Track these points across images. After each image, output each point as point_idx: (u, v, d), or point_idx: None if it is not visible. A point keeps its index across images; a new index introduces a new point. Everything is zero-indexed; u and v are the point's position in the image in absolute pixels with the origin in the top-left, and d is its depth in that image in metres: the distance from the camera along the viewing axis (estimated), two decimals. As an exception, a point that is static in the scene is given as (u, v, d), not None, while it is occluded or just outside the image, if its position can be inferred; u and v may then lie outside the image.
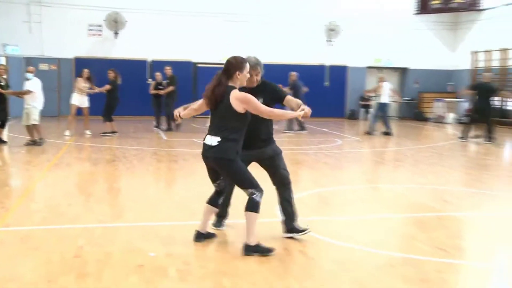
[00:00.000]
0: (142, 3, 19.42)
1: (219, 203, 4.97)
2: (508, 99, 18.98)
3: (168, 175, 9.19)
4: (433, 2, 21.22)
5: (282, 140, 13.45)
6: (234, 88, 4.56)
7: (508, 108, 19.58)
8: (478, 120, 14.23)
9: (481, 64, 20.67)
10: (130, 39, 19.26)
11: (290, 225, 5.06)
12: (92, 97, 13.83)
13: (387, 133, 15.31)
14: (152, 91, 15.23)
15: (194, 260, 4.50)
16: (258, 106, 4.52)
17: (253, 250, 4.56)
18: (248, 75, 4.65)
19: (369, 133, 15.43)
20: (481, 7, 20.83)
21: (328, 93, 21.06)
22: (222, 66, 4.63)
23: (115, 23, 19.16)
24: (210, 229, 5.13)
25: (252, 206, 4.54)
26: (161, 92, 15.00)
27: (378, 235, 5.47)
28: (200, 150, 4.72)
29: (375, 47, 21.42)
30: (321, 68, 20.53)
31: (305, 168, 10.02)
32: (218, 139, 4.52)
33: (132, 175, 8.75)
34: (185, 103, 5.20)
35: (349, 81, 21.67)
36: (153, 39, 19.42)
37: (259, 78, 4.88)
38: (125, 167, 9.34)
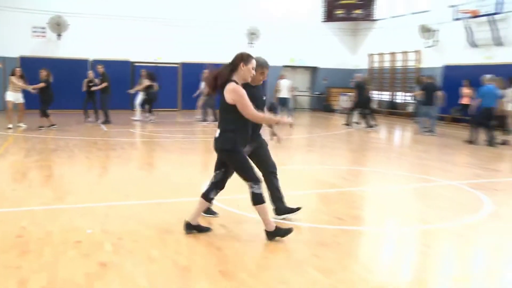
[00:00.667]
0: (83, 7, 18.59)
1: (212, 197, 4.48)
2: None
3: (106, 162, 8.92)
4: (337, 12, 21.86)
5: (199, 130, 13.43)
6: (233, 81, 4.18)
7: (397, 101, 20.60)
8: (366, 111, 15.14)
9: (376, 65, 21.58)
10: (73, 40, 18.39)
11: (284, 208, 4.98)
12: (27, 93, 13.15)
13: None
14: (85, 88, 14.67)
15: (127, 235, 4.42)
16: (246, 104, 4.09)
17: (274, 234, 4.36)
18: (253, 71, 4.28)
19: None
20: (374, 18, 21.74)
21: (251, 89, 21.08)
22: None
23: (58, 26, 18.20)
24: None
25: (256, 200, 4.26)
26: (95, 88, 14.48)
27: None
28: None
29: (290, 49, 21.78)
30: (244, 67, 20.57)
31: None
32: (219, 131, 4.30)
33: (73, 162, 8.43)
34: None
35: (268, 78, 21.80)
36: (94, 40, 18.68)
37: (264, 77, 4.69)
38: (67, 155, 8.98)
